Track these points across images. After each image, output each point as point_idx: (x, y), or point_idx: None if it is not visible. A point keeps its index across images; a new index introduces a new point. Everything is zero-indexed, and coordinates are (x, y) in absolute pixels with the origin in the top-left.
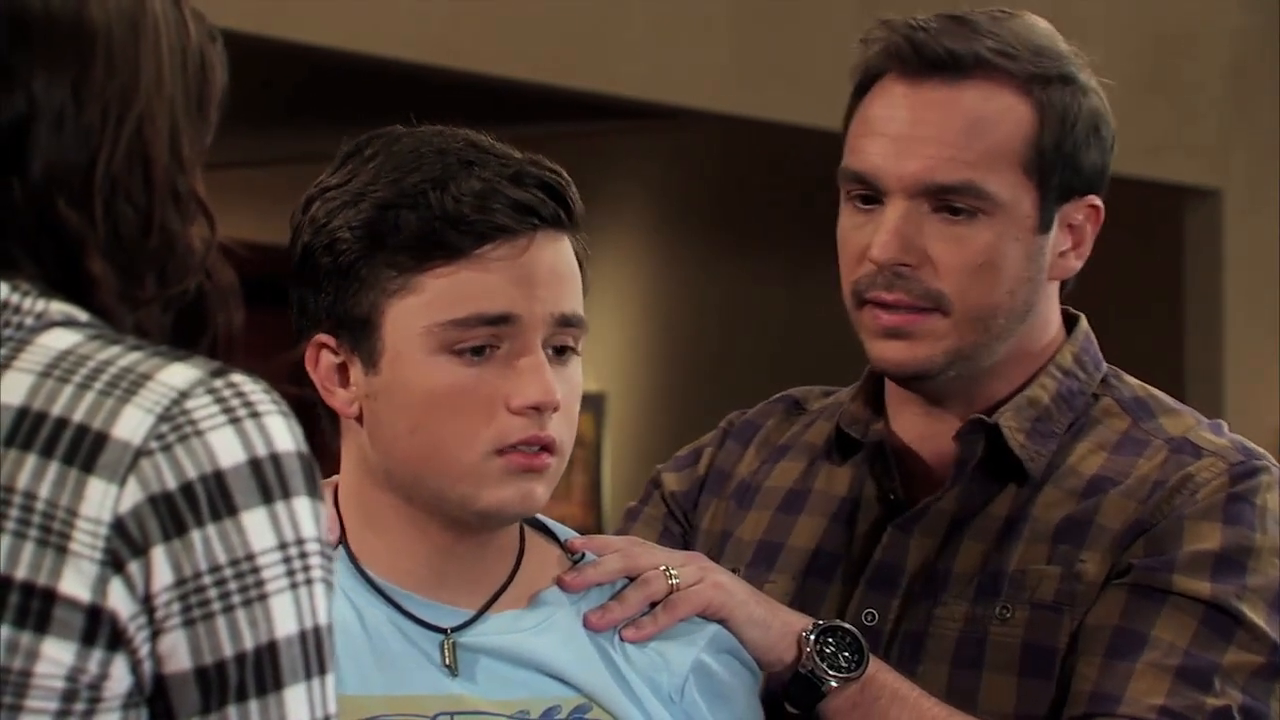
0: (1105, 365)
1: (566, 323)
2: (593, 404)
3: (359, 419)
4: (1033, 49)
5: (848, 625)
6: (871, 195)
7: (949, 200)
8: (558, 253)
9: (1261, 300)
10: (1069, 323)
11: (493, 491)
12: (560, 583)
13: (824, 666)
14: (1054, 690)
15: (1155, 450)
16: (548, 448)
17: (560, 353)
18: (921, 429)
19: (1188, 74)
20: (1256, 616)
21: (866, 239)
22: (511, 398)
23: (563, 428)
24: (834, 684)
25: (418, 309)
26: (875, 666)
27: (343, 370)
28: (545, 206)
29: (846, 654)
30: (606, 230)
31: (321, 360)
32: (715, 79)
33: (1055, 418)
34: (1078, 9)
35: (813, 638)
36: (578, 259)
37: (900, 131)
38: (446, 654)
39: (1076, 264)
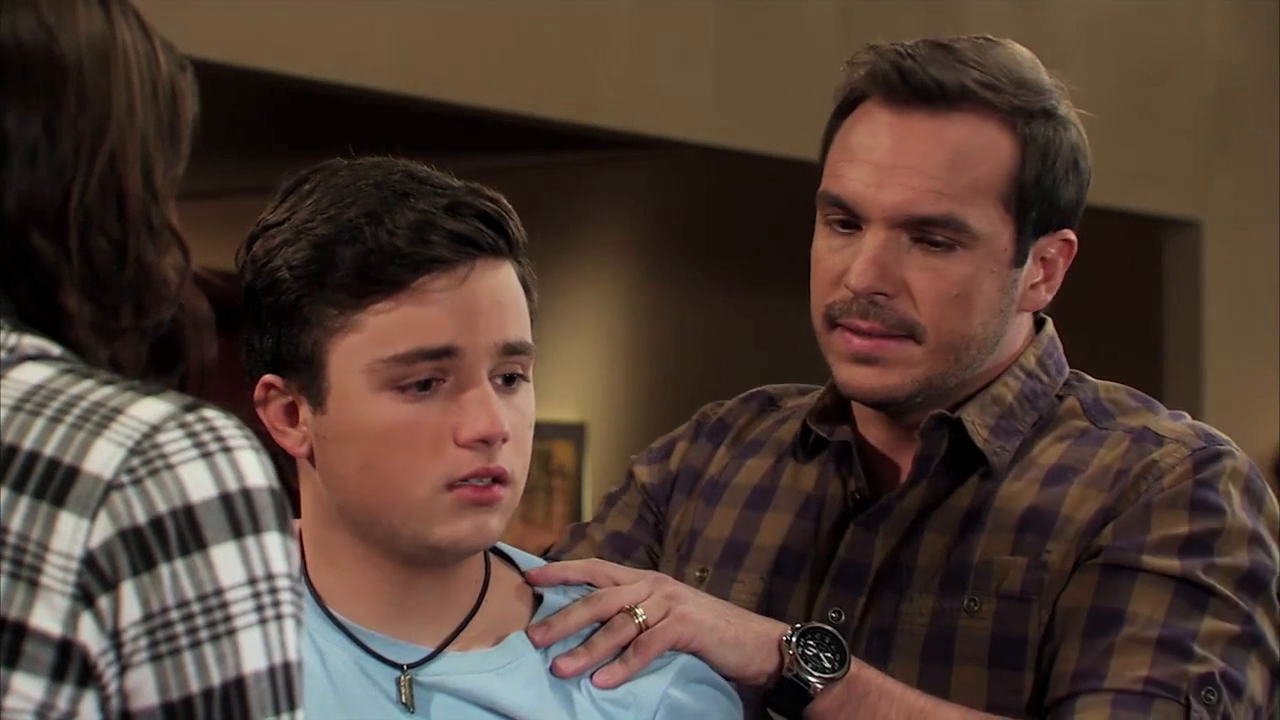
0: (1069, 369)
1: (512, 350)
2: (574, 433)
3: (310, 459)
4: (1016, 81)
5: (826, 626)
6: (850, 221)
7: (929, 232)
8: (499, 281)
9: (1241, 330)
10: (1036, 326)
11: (445, 526)
12: (529, 637)
13: (808, 669)
14: (1025, 680)
15: (1117, 440)
16: (499, 479)
17: (509, 381)
18: (887, 434)
19: (1168, 105)
20: (1226, 589)
21: (843, 263)
22: (459, 431)
23: (514, 458)
24: (820, 686)
25: (360, 346)
26: (857, 665)
27: (292, 410)
28: (483, 236)
29: (828, 654)
30: (588, 260)
31: (270, 401)
32: (696, 110)
33: (1019, 416)
34: (1059, 40)
35: (794, 640)
36: (524, 285)
37: (883, 160)
38: (403, 691)
39: (1047, 296)
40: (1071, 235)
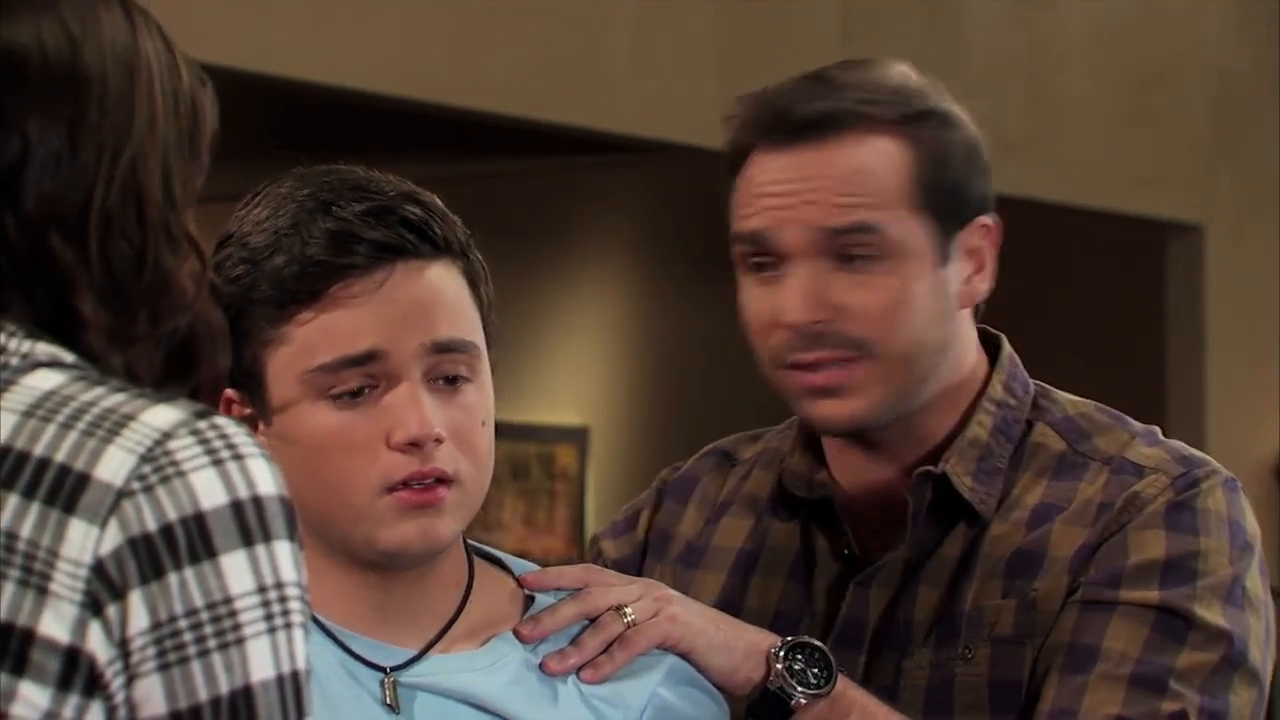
0: (1033, 385)
1: (445, 349)
2: (576, 437)
3: None
4: (893, 90)
5: (816, 642)
6: (767, 262)
7: (847, 249)
8: (423, 282)
9: (1243, 334)
10: (990, 346)
11: (391, 530)
12: (517, 634)
13: (793, 683)
14: None
15: (1095, 472)
16: (441, 480)
17: (451, 381)
18: (864, 476)
19: (1170, 109)
20: (1210, 615)
21: (771, 306)
22: (390, 434)
23: (457, 458)
24: (803, 700)
25: (289, 358)
26: (844, 683)
27: (251, 423)
28: (403, 240)
29: (815, 670)
30: (590, 264)
31: (232, 415)
32: (698, 113)
33: (997, 453)
34: (1059, 43)
35: (782, 654)
36: (471, 282)
37: (785, 190)
38: (387, 692)
39: (983, 287)
40: (989, 220)
